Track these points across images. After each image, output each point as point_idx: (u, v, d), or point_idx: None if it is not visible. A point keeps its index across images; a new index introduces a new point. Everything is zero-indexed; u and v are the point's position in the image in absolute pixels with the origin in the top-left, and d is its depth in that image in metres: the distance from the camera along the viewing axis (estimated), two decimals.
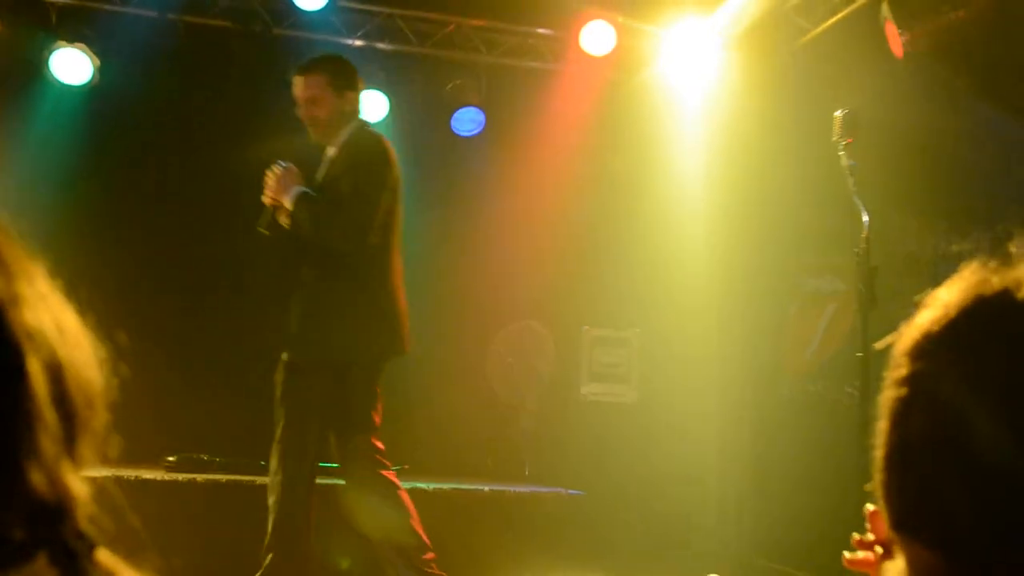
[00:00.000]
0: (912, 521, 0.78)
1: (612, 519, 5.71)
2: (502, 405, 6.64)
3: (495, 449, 6.46)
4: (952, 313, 0.78)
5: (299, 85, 4.20)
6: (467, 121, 6.77)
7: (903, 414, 0.78)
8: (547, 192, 6.77)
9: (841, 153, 3.93)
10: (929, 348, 0.78)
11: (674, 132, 6.53)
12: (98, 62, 6.05)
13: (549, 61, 6.79)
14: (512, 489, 5.52)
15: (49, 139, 6.17)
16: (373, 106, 6.54)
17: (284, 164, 4.17)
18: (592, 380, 6.41)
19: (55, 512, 0.83)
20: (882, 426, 0.80)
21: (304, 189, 4.12)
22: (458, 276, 6.85)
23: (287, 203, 4.08)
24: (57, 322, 0.87)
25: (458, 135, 6.80)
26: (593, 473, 6.04)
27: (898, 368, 0.80)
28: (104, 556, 0.90)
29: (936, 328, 0.79)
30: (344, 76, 4.23)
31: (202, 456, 5.45)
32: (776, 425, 6.18)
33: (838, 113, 3.96)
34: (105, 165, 6.25)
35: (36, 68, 6.00)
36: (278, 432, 4.08)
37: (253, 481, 5.10)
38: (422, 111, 6.86)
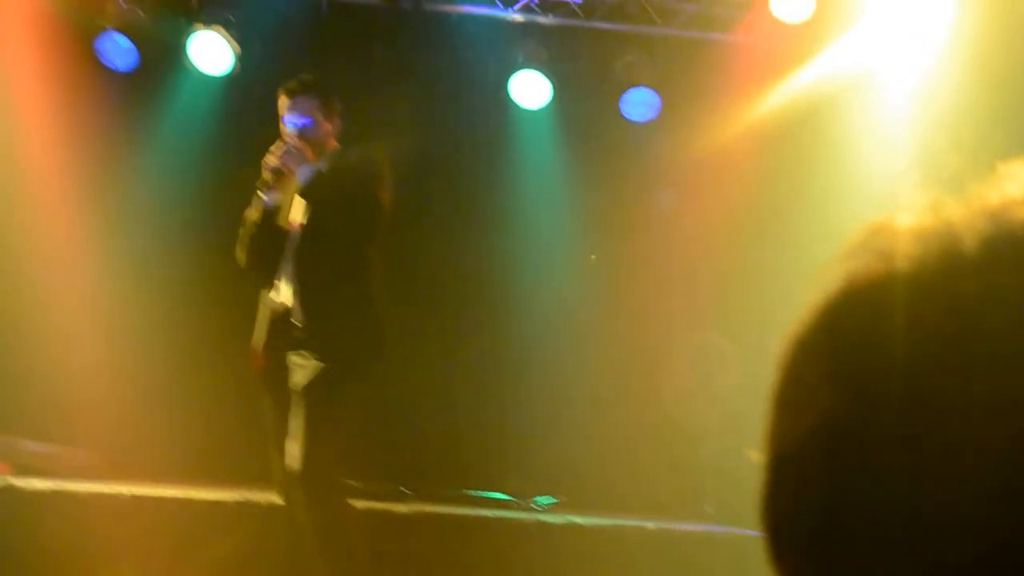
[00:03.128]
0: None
1: None
2: (680, 430, 6.55)
3: (671, 482, 6.36)
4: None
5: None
6: (639, 104, 6.72)
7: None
8: (731, 184, 6.64)
9: None
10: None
11: (884, 113, 6.25)
12: (238, 48, 6.32)
13: (735, 32, 6.66)
14: (682, 527, 5.43)
15: (188, 130, 6.53)
16: (535, 88, 6.63)
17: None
18: None
19: None
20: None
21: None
22: (626, 280, 6.81)
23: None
24: None
25: (629, 120, 6.76)
26: None
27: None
28: None
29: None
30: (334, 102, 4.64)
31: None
32: None
33: None
34: (244, 157, 6.50)
35: (176, 56, 6.34)
36: None
37: (391, 509, 5.26)
38: (589, 93, 6.87)
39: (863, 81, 6.35)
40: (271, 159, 4.40)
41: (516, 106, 6.70)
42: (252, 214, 4.50)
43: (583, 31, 6.78)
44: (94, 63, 6.32)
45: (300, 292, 4.38)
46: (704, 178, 6.69)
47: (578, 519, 5.32)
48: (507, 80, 6.62)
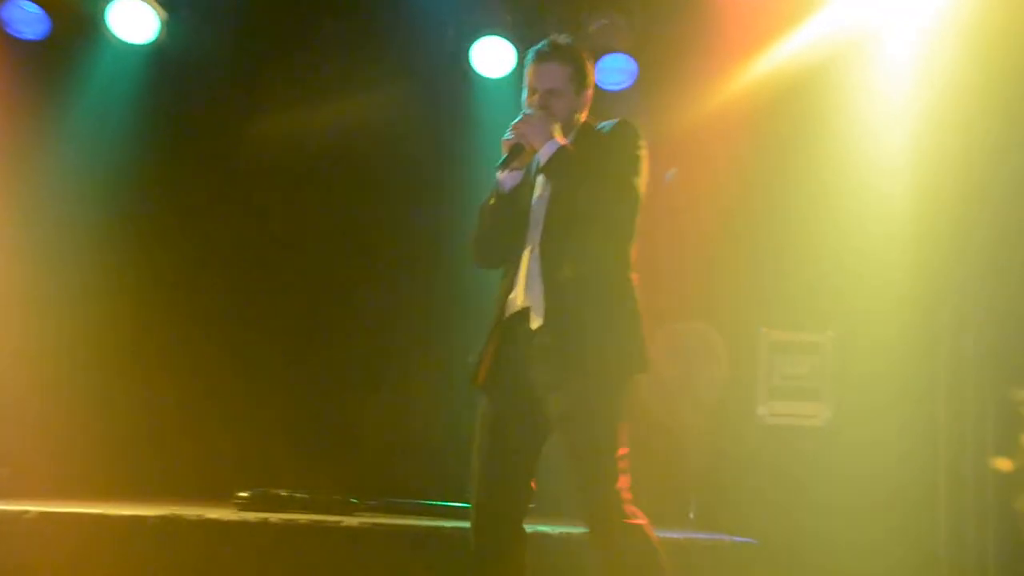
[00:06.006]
0: None
1: (794, 574, 5.46)
2: (660, 430, 6.39)
3: (650, 486, 6.17)
4: None
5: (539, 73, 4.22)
6: (614, 71, 6.64)
7: None
8: (715, 160, 6.53)
9: None
10: None
11: (882, 77, 6.25)
12: (164, 15, 6.23)
13: None
14: (662, 535, 5.14)
15: (107, 104, 6.43)
16: (498, 56, 6.58)
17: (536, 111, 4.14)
18: (772, 398, 6.11)
19: None
20: None
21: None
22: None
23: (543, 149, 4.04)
24: None
25: (603, 89, 6.62)
26: (773, 515, 5.81)
27: None
28: None
29: None
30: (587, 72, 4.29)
31: (280, 492, 5.51)
32: None
33: None
34: (170, 133, 6.49)
35: (93, 24, 6.25)
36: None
37: (339, 522, 5.14)
38: None
39: (859, 42, 6.30)
40: (509, 134, 4.02)
41: (478, 76, 6.62)
42: (488, 201, 4.13)
43: None
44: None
45: (543, 288, 4.02)
46: (686, 152, 6.56)
47: (547, 529, 5.18)
48: (468, 48, 6.56)
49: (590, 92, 4.22)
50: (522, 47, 6.49)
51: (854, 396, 6.08)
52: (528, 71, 4.18)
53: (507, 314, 4.09)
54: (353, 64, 6.65)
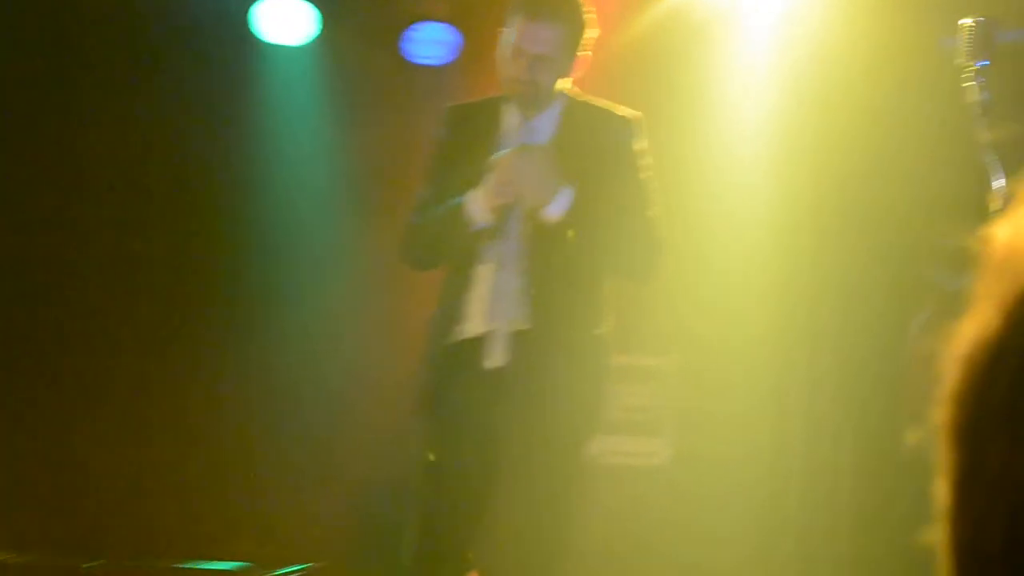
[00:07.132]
0: None
1: None
2: None
3: None
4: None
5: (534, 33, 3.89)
6: (431, 43, 6.29)
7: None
8: None
9: (970, 83, 3.56)
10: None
11: (730, 66, 6.07)
12: None
13: None
14: None
15: None
16: (290, 19, 6.16)
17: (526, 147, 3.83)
18: (606, 432, 5.71)
19: None
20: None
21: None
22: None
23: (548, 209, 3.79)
24: None
25: (416, 63, 6.31)
26: (608, 569, 5.57)
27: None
28: None
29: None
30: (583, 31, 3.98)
31: None
32: (891, 495, 5.66)
33: (967, 21, 3.56)
34: None
35: None
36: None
37: None
38: (365, 28, 6.44)
39: (723, 11, 6.14)
40: (501, 179, 3.71)
41: (265, 44, 6.18)
42: (450, 223, 3.83)
43: None
44: None
45: (510, 324, 3.80)
46: None
47: None
48: (248, 8, 6.13)
49: (582, 56, 3.92)
50: (325, 9, 6.15)
51: (699, 430, 5.95)
52: (516, 24, 3.83)
53: (453, 339, 3.87)
54: (108, 38, 6.16)
